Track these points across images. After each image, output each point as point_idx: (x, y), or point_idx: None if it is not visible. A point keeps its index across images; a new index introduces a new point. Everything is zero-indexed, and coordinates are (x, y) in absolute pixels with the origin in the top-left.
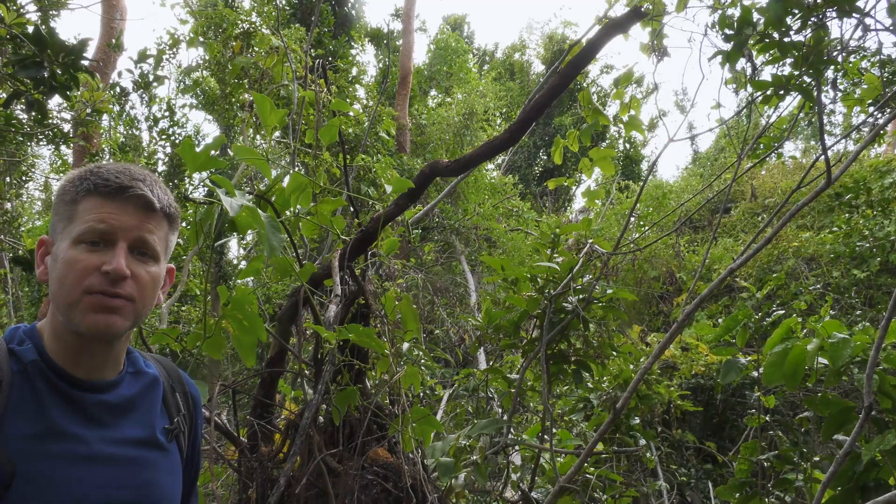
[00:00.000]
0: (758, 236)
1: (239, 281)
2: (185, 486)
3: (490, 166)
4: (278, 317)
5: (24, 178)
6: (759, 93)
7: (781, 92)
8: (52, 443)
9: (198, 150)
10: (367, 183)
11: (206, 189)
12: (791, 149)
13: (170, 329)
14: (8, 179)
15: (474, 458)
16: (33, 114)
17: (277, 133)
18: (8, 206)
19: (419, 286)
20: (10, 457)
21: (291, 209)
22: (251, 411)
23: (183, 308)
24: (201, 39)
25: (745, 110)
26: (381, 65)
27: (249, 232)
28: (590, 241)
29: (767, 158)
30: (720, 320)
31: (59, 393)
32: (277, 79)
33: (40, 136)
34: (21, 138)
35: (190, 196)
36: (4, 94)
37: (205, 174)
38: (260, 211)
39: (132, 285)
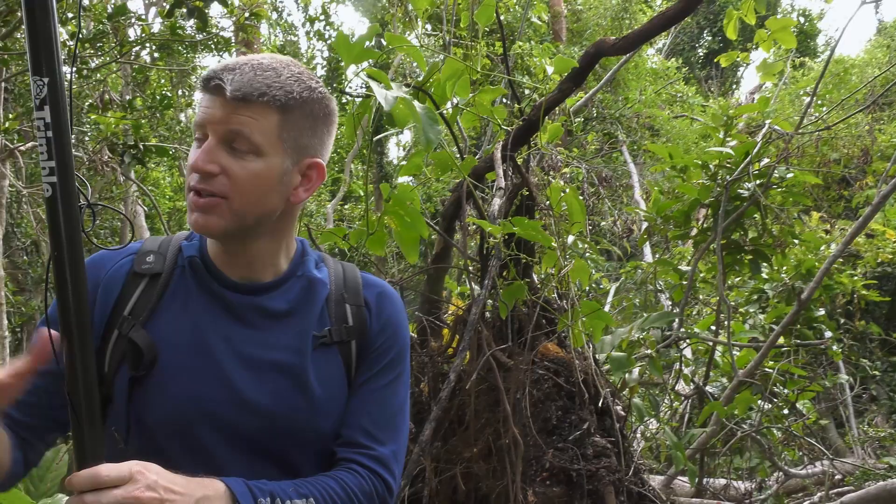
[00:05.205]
0: None
1: (399, 179)
2: (363, 393)
3: (651, 51)
4: (442, 213)
5: (192, 89)
6: None
7: None
8: (195, 337)
9: (352, 42)
10: (522, 72)
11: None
12: None
13: (336, 228)
14: (179, 92)
15: (647, 351)
16: (195, 21)
17: (428, 26)
18: (181, 117)
19: (583, 177)
20: (157, 345)
21: (449, 100)
22: (419, 307)
23: (346, 207)
24: None
25: None
26: None
27: (408, 127)
28: (767, 122)
29: None
30: None
31: (210, 292)
32: None
33: (203, 45)
34: (185, 49)
35: (345, 90)
36: (167, 5)
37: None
38: (417, 103)
39: (223, 181)
